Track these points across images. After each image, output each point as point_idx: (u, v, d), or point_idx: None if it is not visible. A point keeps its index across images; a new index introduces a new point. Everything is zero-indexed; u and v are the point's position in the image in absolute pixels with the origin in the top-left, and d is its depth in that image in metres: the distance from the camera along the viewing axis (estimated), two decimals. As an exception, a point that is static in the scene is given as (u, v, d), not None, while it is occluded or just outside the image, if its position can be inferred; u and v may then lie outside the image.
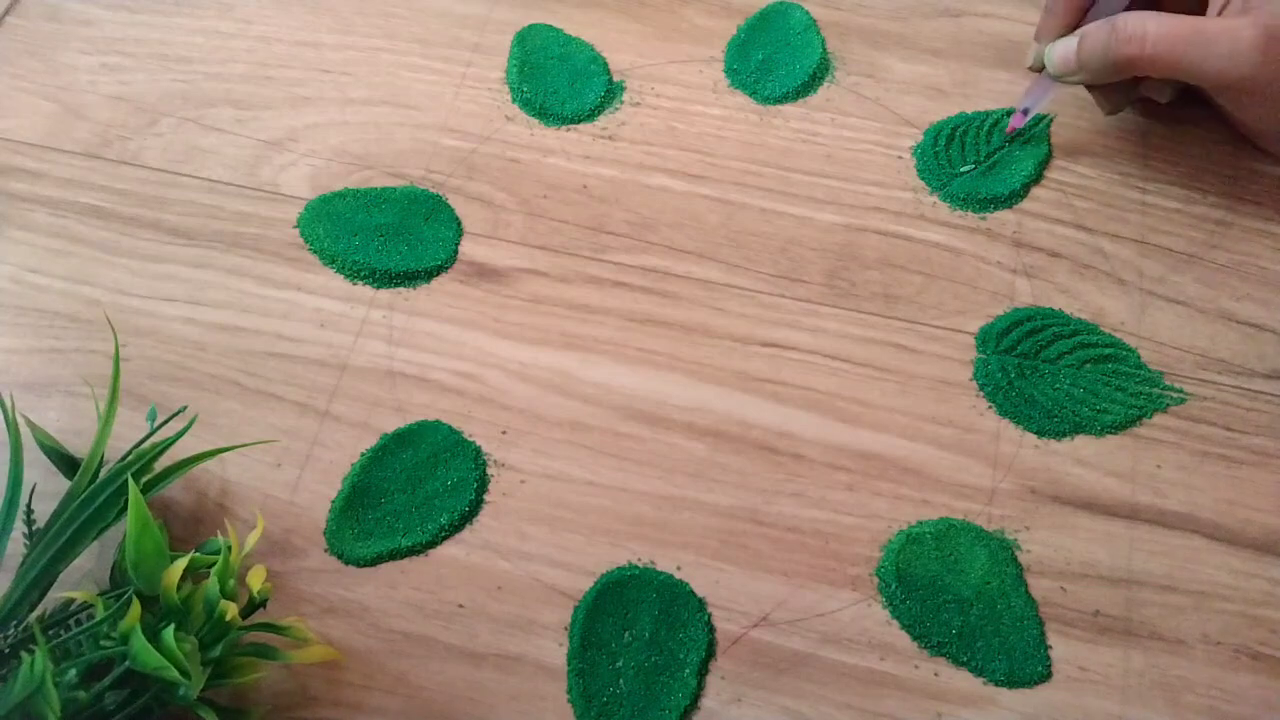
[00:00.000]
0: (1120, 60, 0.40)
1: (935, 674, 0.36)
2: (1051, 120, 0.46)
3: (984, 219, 0.44)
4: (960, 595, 0.36)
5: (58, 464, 0.36)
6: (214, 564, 0.32)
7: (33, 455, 0.35)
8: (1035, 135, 0.46)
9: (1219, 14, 0.41)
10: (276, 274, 0.43)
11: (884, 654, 0.36)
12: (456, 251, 0.44)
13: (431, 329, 0.42)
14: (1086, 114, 0.47)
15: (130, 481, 0.32)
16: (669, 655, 0.35)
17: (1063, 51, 0.42)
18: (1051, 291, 0.43)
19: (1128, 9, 0.41)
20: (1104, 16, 0.41)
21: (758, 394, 0.41)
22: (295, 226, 0.44)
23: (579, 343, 0.42)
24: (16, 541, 0.34)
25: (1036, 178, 0.45)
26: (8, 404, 0.35)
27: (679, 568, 0.37)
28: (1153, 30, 0.39)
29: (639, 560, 0.37)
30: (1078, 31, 0.42)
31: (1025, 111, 0.45)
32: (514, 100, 0.48)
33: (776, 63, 0.48)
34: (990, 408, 0.40)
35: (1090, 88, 0.45)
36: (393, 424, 0.40)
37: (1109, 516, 0.38)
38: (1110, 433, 0.40)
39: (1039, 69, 0.44)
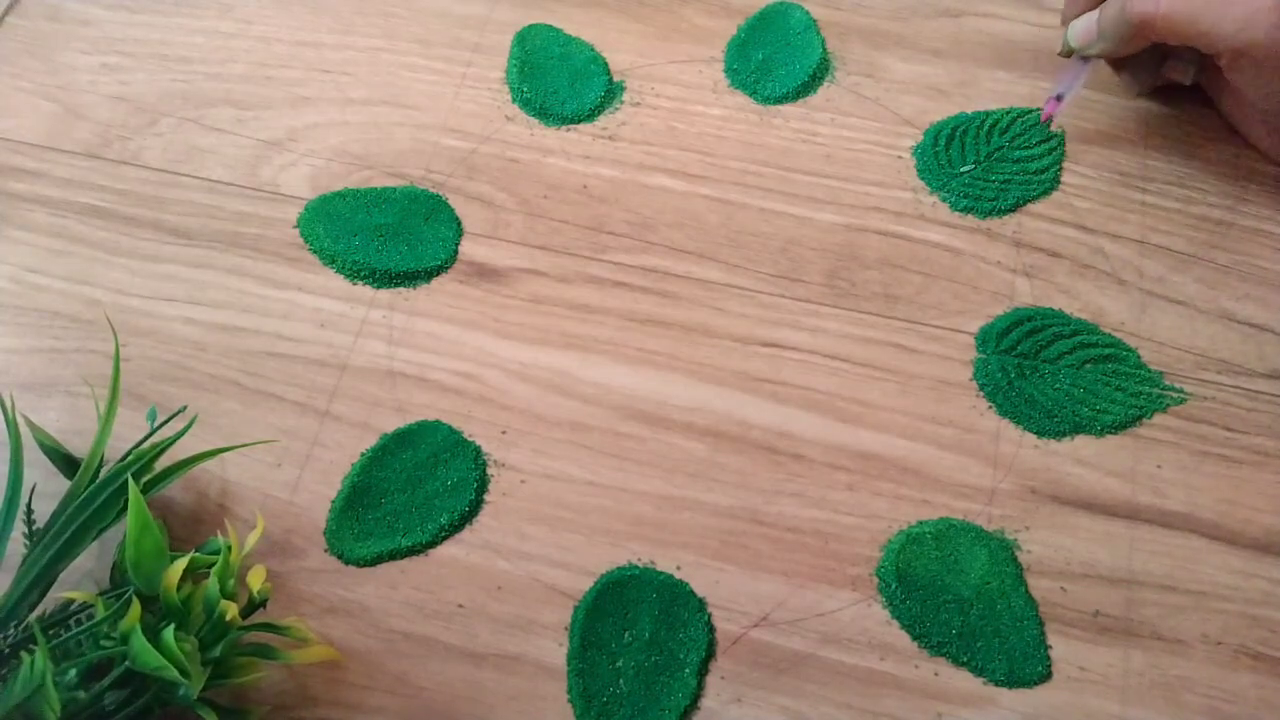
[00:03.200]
0: (1135, 20, 0.40)
1: (935, 674, 0.36)
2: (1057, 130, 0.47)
3: (984, 219, 0.44)
4: (960, 595, 0.36)
5: (58, 464, 0.36)
6: (214, 564, 0.32)
7: (33, 455, 0.35)
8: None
9: None
10: (276, 274, 0.43)
11: (884, 654, 0.36)
12: (456, 251, 0.44)
13: (431, 329, 0.42)
14: (1086, 114, 0.47)
15: (130, 481, 0.32)
16: (669, 655, 0.35)
17: (1084, 24, 0.43)
18: (1051, 291, 0.43)
19: None
20: None
21: (758, 394, 0.41)
22: (295, 226, 0.44)
23: (579, 343, 0.42)
24: (16, 541, 0.34)
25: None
26: (8, 404, 0.35)
27: (679, 568, 0.37)
28: None
29: (639, 560, 0.37)
30: (1101, 6, 0.43)
31: (1059, 98, 0.45)
32: (514, 100, 0.48)
33: (776, 63, 0.48)
34: (990, 408, 0.40)
35: (1117, 69, 0.45)
36: (393, 424, 0.40)
37: (1109, 516, 0.38)
38: (1110, 433, 0.40)
39: (1069, 54, 0.45)
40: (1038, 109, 0.47)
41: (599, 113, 0.47)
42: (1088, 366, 0.41)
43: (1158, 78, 0.45)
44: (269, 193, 0.45)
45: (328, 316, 0.42)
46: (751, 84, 0.48)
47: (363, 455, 0.39)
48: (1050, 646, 0.36)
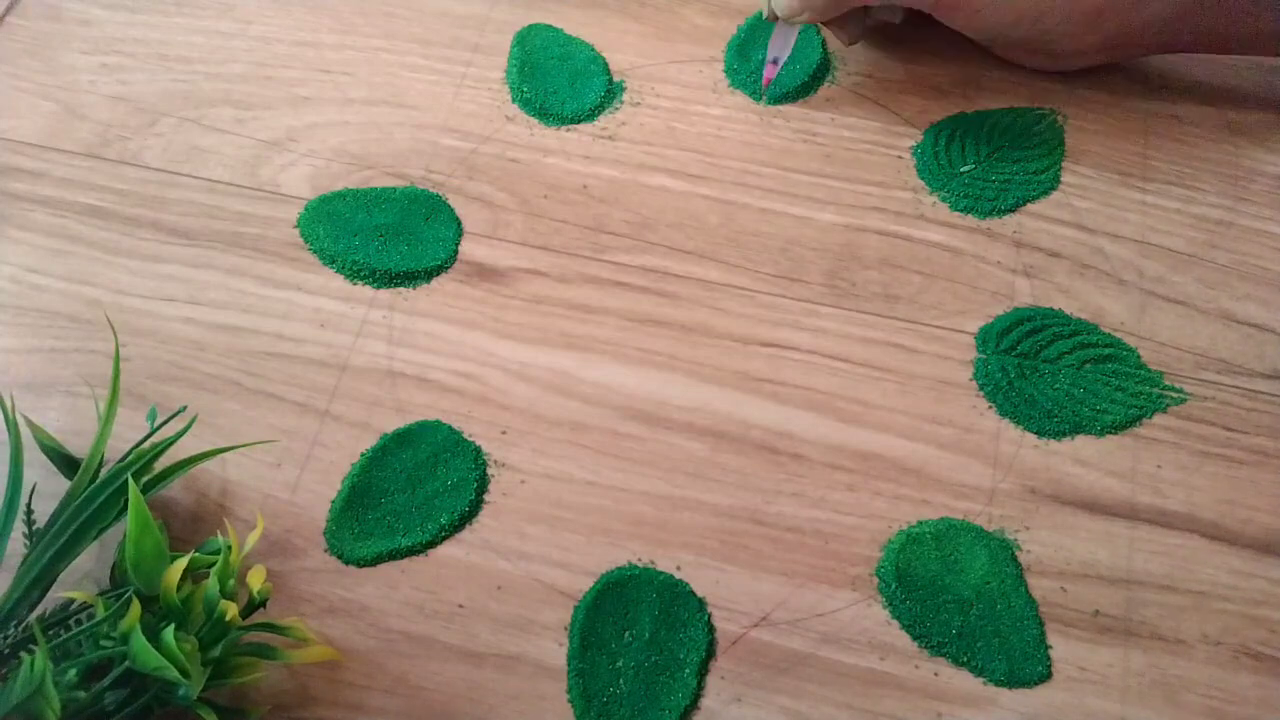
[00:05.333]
0: None
1: (935, 674, 0.36)
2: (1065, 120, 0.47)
3: (984, 219, 0.44)
4: (960, 595, 0.36)
5: (58, 464, 0.36)
6: (214, 564, 0.32)
7: (33, 455, 0.35)
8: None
9: None
10: (276, 274, 0.43)
11: (884, 654, 0.36)
12: (456, 251, 0.44)
13: (431, 329, 0.42)
14: (1087, 114, 0.47)
15: (130, 481, 0.32)
16: (669, 655, 0.35)
17: None
18: (1051, 291, 0.43)
19: None
20: None
21: (758, 394, 0.41)
22: (295, 226, 0.44)
23: (579, 343, 0.42)
24: (16, 541, 0.34)
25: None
26: (8, 404, 0.35)
27: (679, 568, 0.37)
28: None
29: (639, 560, 0.37)
30: None
31: (775, 61, 0.46)
32: (514, 100, 0.48)
33: (776, 63, 0.48)
34: (990, 408, 0.40)
35: (827, 24, 0.46)
36: (393, 424, 0.40)
37: (1109, 516, 0.38)
38: (1110, 433, 0.40)
39: (775, 18, 0.46)
40: (1038, 109, 0.47)
41: (599, 113, 0.47)
42: (1088, 366, 0.41)
43: (865, 25, 0.47)
44: (269, 193, 0.45)
45: (328, 316, 0.42)
46: (751, 84, 0.48)
47: (363, 455, 0.39)
48: (1050, 646, 0.36)
